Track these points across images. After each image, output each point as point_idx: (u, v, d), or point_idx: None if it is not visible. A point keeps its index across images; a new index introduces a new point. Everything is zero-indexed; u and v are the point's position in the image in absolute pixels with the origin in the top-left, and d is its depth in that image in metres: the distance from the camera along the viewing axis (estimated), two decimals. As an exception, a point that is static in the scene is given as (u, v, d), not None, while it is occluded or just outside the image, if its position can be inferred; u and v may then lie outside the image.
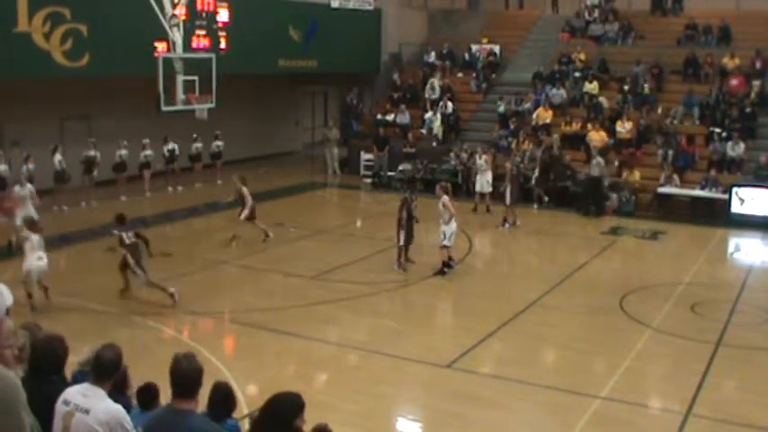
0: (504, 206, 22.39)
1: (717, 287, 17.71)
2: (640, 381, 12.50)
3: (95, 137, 24.66)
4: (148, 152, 25.65)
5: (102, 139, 24.63)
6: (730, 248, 22.40)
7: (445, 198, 17.57)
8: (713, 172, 24.27)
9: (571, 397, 11.65)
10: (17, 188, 18.85)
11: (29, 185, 19.03)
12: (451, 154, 27.76)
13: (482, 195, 24.07)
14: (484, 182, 23.97)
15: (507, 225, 22.18)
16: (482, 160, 24.24)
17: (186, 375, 5.40)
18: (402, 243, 17.99)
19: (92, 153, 24.05)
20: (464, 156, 26.97)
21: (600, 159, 24.65)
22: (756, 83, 27.34)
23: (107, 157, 24.51)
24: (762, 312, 15.74)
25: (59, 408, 5.58)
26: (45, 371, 5.92)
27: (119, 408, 5.57)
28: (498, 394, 11.82)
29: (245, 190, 19.79)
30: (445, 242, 17.44)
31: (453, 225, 17.44)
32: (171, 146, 26.49)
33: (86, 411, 5.47)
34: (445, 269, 17.54)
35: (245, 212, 19.69)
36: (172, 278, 16.89)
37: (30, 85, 22.67)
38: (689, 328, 14.62)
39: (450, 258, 17.68)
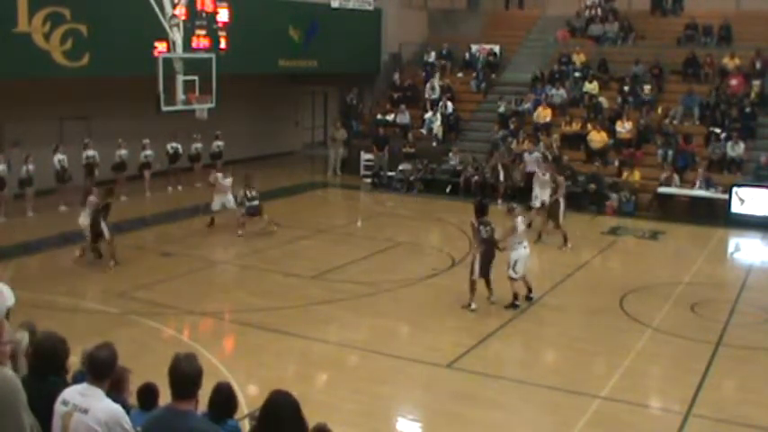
0: (555, 222, 20.37)
1: (717, 287, 17.71)
2: (640, 381, 12.50)
3: (95, 137, 24.71)
4: (148, 152, 25.66)
5: (102, 139, 24.67)
6: (730, 248, 22.40)
7: (519, 219, 15.60)
8: (700, 170, 24.32)
9: (571, 397, 11.65)
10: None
11: None
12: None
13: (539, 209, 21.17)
14: (546, 196, 21.15)
15: (569, 245, 20.09)
16: (546, 176, 21.51)
17: (185, 376, 5.40)
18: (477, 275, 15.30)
19: (90, 153, 24.07)
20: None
21: (538, 154, 25.05)
22: (756, 83, 27.34)
23: (107, 157, 24.53)
24: (762, 312, 15.73)
25: (58, 408, 5.58)
26: (44, 371, 5.92)
27: (118, 407, 5.58)
28: (498, 394, 11.82)
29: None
30: (510, 272, 15.42)
31: (518, 252, 15.36)
32: (173, 145, 26.54)
33: (85, 411, 5.47)
34: (516, 302, 15.52)
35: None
36: (172, 278, 16.97)
37: (30, 86, 22.67)
38: (689, 328, 14.62)
39: (529, 290, 15.89)
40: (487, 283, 15.50)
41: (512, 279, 15.36)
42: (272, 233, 20.67)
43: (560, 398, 11.69)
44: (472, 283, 15.26)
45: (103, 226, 17.31)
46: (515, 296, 15.47)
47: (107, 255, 17.52)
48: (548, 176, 21.41)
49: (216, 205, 21.32)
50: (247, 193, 20.78)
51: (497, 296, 15.60)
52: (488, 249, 15.22)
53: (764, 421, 10.99)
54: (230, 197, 21.33)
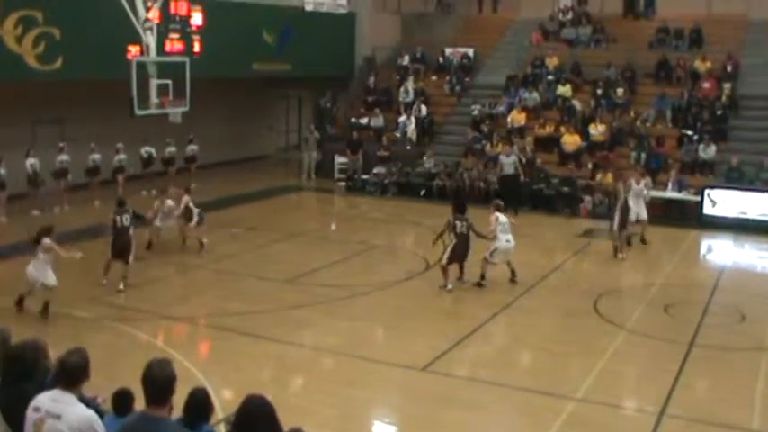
0: (611, 231, 20.24)
1: (690, 288, 17.84)
2: (615, 382, 12.56)
3: (68, 140, 24.50)
4: (122, 156, 25.51)
5: (75, 142, 24.48)
6: (703, 250, 22.59)
7: (495, 215, 16.94)
8: (673, 172, 24.54)
9: (546, 398, 11.69)
10: None
11: None
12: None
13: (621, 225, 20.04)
14: (638, 209, 20.77)
15: (621, 255, 19.94)
16: (641, 185, 21.16)
17: (159, 382, 5.39)
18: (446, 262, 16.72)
19: (63, 157, 23.91)
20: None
21: (515, 158, 25.07)
22: (727, 86, 27.62)
23: (80, 161, 24.37)
24: (734, 313, 15.84)
25: (30, 415, 5.54)
26: (16, 378, 5.87)
27: (91, 413, 5.55)
28: (474, 397, 11.83)
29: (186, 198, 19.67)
30: (486, 255, 16.90)
31: (497, 243, 16.73)
32: (147, 149, 26.41)
33: (58, 417, 5.44)
34: (482, 281, 16.99)
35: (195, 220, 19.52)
36: (147, 282, 16.86)
37: (1, 89, 22.47)
38: (662, 329, 14.73)
39: (513, 273, 17.25)
40: (461, 268, 17.02)
41: (485, 260, 16.91)
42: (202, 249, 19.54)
43: (535, 399, 11.72)
44: (443, 269, 16.62)
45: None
46: (482, 276, 16.92)
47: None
48: (642, 185, 21.16)
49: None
50: (189, 205, 19.60)
51: (469, 279, 17.07)
52: (461, 242, 16.58)
53: (737, 420, 11.09)
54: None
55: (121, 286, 16.20)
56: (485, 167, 26.89)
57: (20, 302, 14.67)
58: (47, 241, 14.54)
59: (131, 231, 16.69)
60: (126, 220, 16.56)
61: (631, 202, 20.23)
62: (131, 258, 16.45)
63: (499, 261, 17.03)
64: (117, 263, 16.39)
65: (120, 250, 16.34)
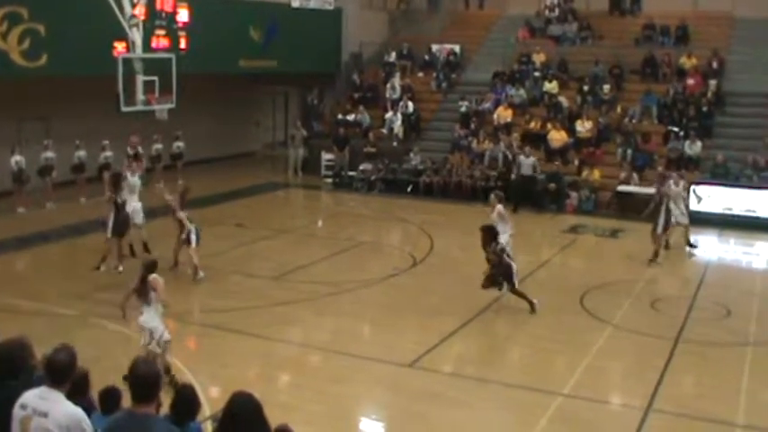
0: (654, 234, 19.45)
1: (676, 284, 17.93)
2: (601, 377, 12.62)
3: (54, 137, 24.39)
4: (108, 153, 25.40)
5: (61, 140, 24.37)
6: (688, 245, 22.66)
7: (500, 207, 16.69)
8: (659, 169, 24.51)
9: (533, 394, 11.73)
10: None
11: None
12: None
13: (665, 228, 19.58)
14: (678, 212, 20.08)
15: (658, 260, 19.29)
16: (680, 187, 20.60)
17: (145, 379, 5.38)
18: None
19: (49, 155, 23.81)
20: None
21: (534, 159, 25.20)
22: (713, 82, 27.73)
23: (66, 158, 24.28)
24: (719, 308, 15.92)
25: (17, 412, 5.52)
26: (2, 376, 5.85)
27: (78, 410, 5.53)
28: (460, 393, 11.85)
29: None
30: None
31: (506, 236, 16.29)
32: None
33: (44, 414, 5.42)
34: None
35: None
36: (133, 279, 16.77)
37: (-14, 86, 22.42)
38: (649, 325, 14.78)
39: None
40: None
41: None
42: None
43: (522, 395, 11.77)
44: (518, 293, 15.59)
45: None
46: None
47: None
48: (681, 186, 20.64)
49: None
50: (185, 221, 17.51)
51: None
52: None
53: (723, 415, 11.15)
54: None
55: (121, 268, 16.86)
56: (471, 164, 26.93)
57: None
58: (158, 281, 11.83)
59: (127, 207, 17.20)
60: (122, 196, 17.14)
61: (671, 205, 19.65)
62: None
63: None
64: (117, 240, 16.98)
65: (123, 226, 17.05)
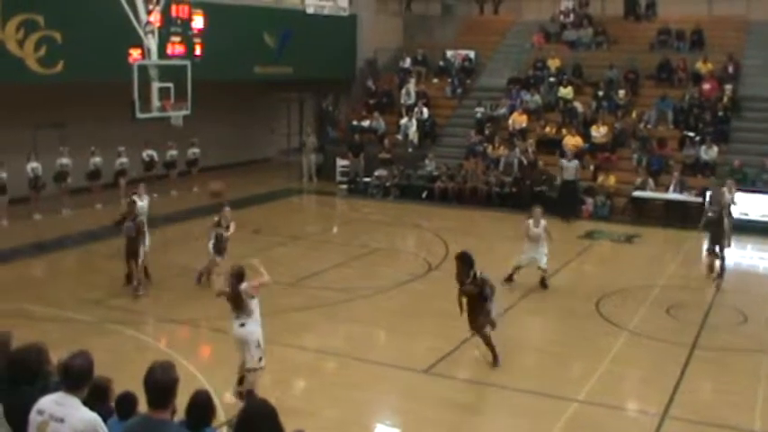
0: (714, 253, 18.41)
1: (691, 289, 17.84)
2: (617, 384, 12.57)
3: (70, 144, 24.48)
4: (124, 159, 25.53)
5: (76, 146, 24.48)
6: (704, 251, 22.54)
7: (543, 222, 17.20)
8: (675, 174, 24.53)
9: (548, 401, 11.70)
10: None
11: None
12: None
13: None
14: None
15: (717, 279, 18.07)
16: (732, 196, 20.24)
17: (160, 385, 5.39)
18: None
19: (65, 161, 23.92)
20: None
21: (577, 162, 24.87)
22: (728, 87, 27.59)
23: (81, 164, 24.38)
24: (736, 314, 15.85)
25: (33, 418, 5.54)
26: (18, 381, 5.87)
27: (94, 416, 5.55)
28: (475, 399, 11.84)
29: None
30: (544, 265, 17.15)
31: (545, 257, 17.12)
32: (149, 152, 26.41)
33: (61, 420, 5.44)
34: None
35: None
36: (147, 285, 16.84)
37: (3, 93, 22.49)
38: (664, 331, 14.72)
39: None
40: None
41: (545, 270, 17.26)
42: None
43: (537, 402, 11.73)
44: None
45: None
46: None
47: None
48: (732, 196, 20.25)
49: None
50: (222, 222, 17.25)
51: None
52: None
53: (740, 423, 11.09)
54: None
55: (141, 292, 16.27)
56: (486, 170, 26.90)
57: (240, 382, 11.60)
58: (252, 286, 11.86)
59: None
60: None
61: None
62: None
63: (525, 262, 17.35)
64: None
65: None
